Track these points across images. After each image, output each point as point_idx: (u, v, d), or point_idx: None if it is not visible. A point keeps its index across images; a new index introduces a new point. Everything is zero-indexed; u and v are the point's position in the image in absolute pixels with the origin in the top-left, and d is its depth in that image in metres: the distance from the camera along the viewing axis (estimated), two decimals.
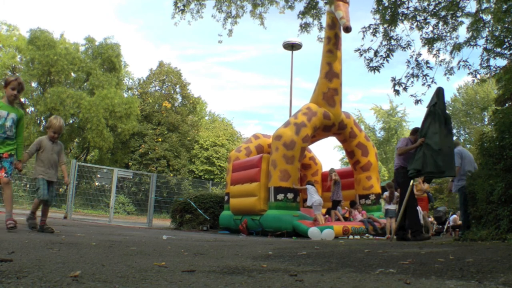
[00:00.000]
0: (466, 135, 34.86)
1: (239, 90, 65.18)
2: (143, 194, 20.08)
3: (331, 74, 9.19)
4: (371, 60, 7.29)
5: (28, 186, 16.33)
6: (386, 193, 9.98)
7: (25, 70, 25.39)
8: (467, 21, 7.43)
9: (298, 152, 8.63)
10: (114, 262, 1.63)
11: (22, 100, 25.79)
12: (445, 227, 12.65)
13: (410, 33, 7.46)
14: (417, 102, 7.12)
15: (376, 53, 7.31)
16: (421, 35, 7.54)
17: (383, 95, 61.90)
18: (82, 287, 1.05)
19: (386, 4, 7.15)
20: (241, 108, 67.72)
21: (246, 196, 9.11)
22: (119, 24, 60.25)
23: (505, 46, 6.70)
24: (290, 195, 8.41)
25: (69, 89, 26.53)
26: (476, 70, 7.32)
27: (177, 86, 32.82)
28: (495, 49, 7.03)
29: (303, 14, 7.96)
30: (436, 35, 7.50)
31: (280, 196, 8.36)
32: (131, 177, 15.32)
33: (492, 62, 7.23)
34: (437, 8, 7.30)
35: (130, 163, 29.43)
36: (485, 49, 7.25)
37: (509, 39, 6.60)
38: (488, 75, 7.43)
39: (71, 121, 27.54)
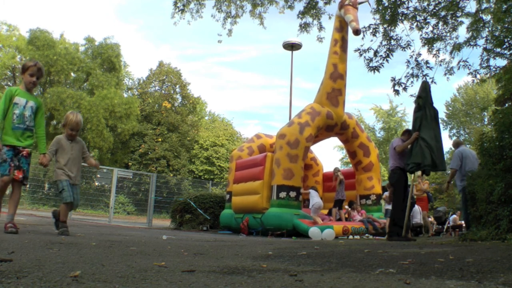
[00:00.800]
0: (466, 135, 34.86)
1: (239, 90, 65.21)
2: (143, 194, 20.08)
3: (335, 75, 9.27)
4: (371, 60, 7.30)
5: (28, 186, 16.33)
6: (386, 193, 9.99)
7: None
8: (467, 21, 7.43)
9: (302, 151, 8.68)
10: (114, 262, 1.63)
11: None
12: (445, 227, 12.65)
13: (410, 33, 7.47)
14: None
15: (376, 53, 7.31)
16: (421, 35, 7.55)
17: (383, 95, 61.94)
18: (82, 287, 1.05)
19: (386, 4, 7.16)
20: (241, 108, 67.76)
21: (249, 194, 9.15)
22: (119, 24, 60.27)
23: (505, 46, 6.70)
24: (292, 194, 8.44)
25: (69, 89, 26.55)
26: (476, 70, 7.33)
27: (177, 86, 32.83)
28: (495, 49, 7.03)
29: (302, 14, 7.97)
30: (436, 35, 7.50)
31: (283, 194, 8.39)
32: (131, 177, 15.32)
33: (492, 62, 7.23)
34: (437, 8, 7.30)
35: (130, 163, 29.44)
36: (485, 49, 7.25)
37: (509, 39, 6.60)
38: (488, 75, 7.43)
39: None
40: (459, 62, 7.45)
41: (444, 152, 6.56)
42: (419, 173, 7.54)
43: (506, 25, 6.60)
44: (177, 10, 7.52)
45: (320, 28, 8.23)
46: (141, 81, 33.02)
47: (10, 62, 26.03)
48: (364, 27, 7.50)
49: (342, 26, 9.25)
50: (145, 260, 1.81)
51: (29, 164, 4.06)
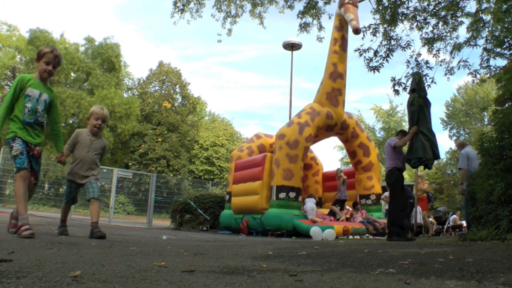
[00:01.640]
0: (466, 135, 34.85)
1: (239, 90, 65.18)
2: (143, 194, 20.08)
3: (335, 74, 9.25)
4: (371, 60, 7.29)
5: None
6: (386, 193, 9.98)
7: (24, 70, 25.39)
8: (467, 21, 7.42)
9: (302, 151, 8.67)
10: (114, 262, 1.63)
11: None
12: (445, 227, 12.65)
13: (410, 33, 7.46)
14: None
15: (376, 53, 7.30)
16: (421, 35, 7.54)
17: (383, 95, 61.91)
18: (82, 287, 1.05)
19: (386, 4, 7.15)
20: (241, 108, 67.74)
21: (248, 195, 9.14)
22: (119, 24, 60.25)
23: (505, 46, 6.70)
24: (292, 194, 8.44)
25: (69, 89, 26.54)
26: (476, 70, 7.32)
27: (177, 86, 32.82)
28: (495, 49, 7.03)
29: (302, 13, 7.96)
30: (436, 35, 7.49)
31: (282, 195, 8.39)
32: (131, 177, 15.32)
33: (492, 62, 7.22)
34: (437, 8, 7.30)
35: (130, 163, 29.43)
36: (485, 49, 7.25)
37: (509, 39, 6.60)
38: (488, 75, 7.42)
39: (71, 121, 27.54)
40: (459, 62, 7.44)
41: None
42: (419, 172, 7.56)
43: (506, 25, 6.60)
44: (177, 9, 7.52)
45: (320, 28, 8.22)
46: (141, 81, 33.02)
47: (10, 62, 26.02)
48: (364, 27, 7.50)
49: (342, 25, 9.22)
50: (145, 260, 1.81)
51: (40, 165, 3.68)
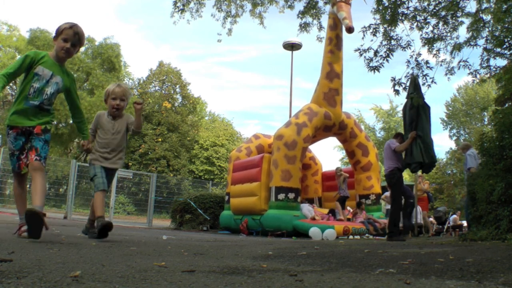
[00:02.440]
0: (466, 135, 34.85)
1: (239, 90, 65.17)
2: (143, 194, 20.08)
3: (332, 74, 9.21)
4: (371, 60, 7.29)
5: (28, 186, 16.34)
6: (387, 193, 9.98)
7: None
8: (467, 21, 7.42)
9: (300, 152, 8.66)
10: (114, 262, 1.63)
11: None
12: (445, 227, 12.65)
13: (410, 33, 7.46)
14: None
15: (376, 53, 7.30)
16: (421, 35, 7.54)
17: (383, 95, 61.89)
18: (82, 287, 1.05)
19: (386, 4, 7.15)
20: (241, 108, 67.73)
21: (247, 196, 9.13)
22: (119, 24, 60.24)
23: (505, 46, 6.70)
24: (291, 195, 8.43)
25: None
26: (476, 70, 7.32)
27: (177, 86, 32.82)
28: (495, 49, 7.03)
29: (302, 13, 7.97)
30: (436, 35, 7.49)
31: (281, 196, 8.37)
32: (131, 177, 15.33)
33: (492, 62, 7.23)
34: (437, 8, 7.30)
35: (130, 163, 29.43)
36: (485, 49, 7.25)
37: (509, 39, 6.60)
38: (488, 75, 7.42)
39: (71, 121, 27.55)
40: (459, 62, 7.44)
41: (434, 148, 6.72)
42: (419, 172, 7.58)
43: (506, 25, 6.60)
44: (177, 9, 7.52)
45: (320, 28, 8.22)
46: (141, 81, 33.02)
47: (10, 62, 26.02)
48: (364, 27, 7.49)
49: (336, 24, 9.11)
50: (145, 260, 1.81)
51: (46, 142, 3.12)
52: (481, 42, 7.36)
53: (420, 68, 7.33)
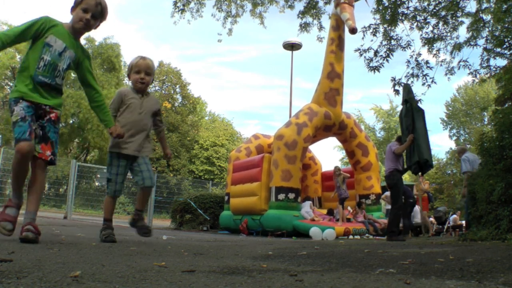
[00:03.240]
0: (466, 135, 34.86)
1: (239, 90, 65.15)
2: None
3: (333, 74, 9.23)
4: (371, 60, 7.30)
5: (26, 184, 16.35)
6: (387, 193, 9.98)
7: None
8: (467, 21, 7.43)
9: (300, 152, 8.66)
10: (114, 262, 1.63)
11: None
12: (445, 227, 12.65)
13: (410, 33, 7.47)
14: (417, 102, 7.13)
15: (376, 53, 7.31)
16: (421, 35, 7.55)
17: (383, 95, 61.91)
18: (82, 287, 1.05)
19: (386, 4, 7.16)
20: (241, 108, 67.71)
21: (247, 196, 9.13)
22: (119, 24, 60.23)
23: (505, 46, 6.70)
24: (291, 195, 8.43)
25: (69, 89, 26.54)
26: (476, 70, 7.33)
27: (177, 86, 32.83)
28: (495, 49, 7.04)
29: (303, 13, 7.98)
30: (436, 35, 7.50)
31: (281, 196, 8.38)
32: (131, 177, 15.30)
33: (492, 62, 7.24)
34: (437, 8, 7.30)
35: None
36: (485, 49, 7.26)
37: (509, 39, 6.60)
38: (488, 75, 7.43)
39: (71, 121, 27.54)
40: (459, 62, 7.46)
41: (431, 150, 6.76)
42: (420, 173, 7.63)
43: (506, 25, 6.61)
44: (177, 9, 7.53)
45: (320, 28, 8.24)
46: None
47: (10, 62, 26.01)
48: (364, 27, 7.50)
49: (338, 25, 9.15)
50: (145, 260, 1.82)
51: (58, 134, 2.73)
52: (481, 42, 7.37)
53: (420, 68, 7.34)
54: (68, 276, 1.19)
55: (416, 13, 7.28)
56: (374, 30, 7.34)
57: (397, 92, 7.26)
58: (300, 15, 8.00)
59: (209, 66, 63.53)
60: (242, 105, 68.15)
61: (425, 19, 7.36)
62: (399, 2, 7.08)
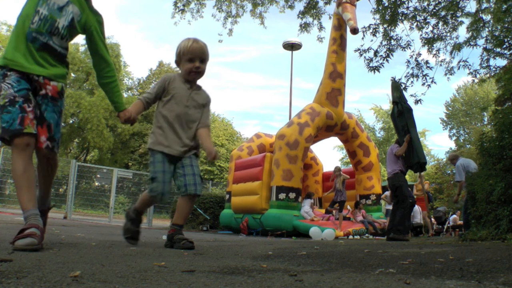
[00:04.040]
0: (466, 135, 34.86)
1: (239, 90, 65.13)
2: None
3: (335, 74, 9.24)
4: (371, 60, 7.31)
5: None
6: (387, 193, 9.98)
7: None
8: (467, 21, 7.44)
9: (301, 151, 8.67)
10: (114, 262, 1.63)
11: None
12: (445, 227, 12.65)
13: (410, 33, 7.48)
14: (417, 102, 7.16)
15: (376, 53, 7.31)
16: (421, 35, 7.55)
17: (383, 95, 61.94)
18: (82, 287, 1.05)
19: (386, 4, 7.16)
20: (241, 108, 67.66)
21: (248, 195, 9.15)
22: (120, 24, 60.24)
23: (505, 46, 6.71)
24: (292, 195, 8.44)
25: (69, 89, 26.55)
26: (476, 70, 7.34)
27: None
28: (495, 49, 7.04)
29: (303, 13, 7.98)
30: (436, 35, 7.50)
31: (282, 196, 8.39)
32: (131, 177, 15.33)
33: (492, 62, 7.25)
34: (437, 8, 7.30)
35: (130, 163, 29.45)
36: (485, 49, 7.26)
37: (509, 39, 6.60)
38: (488, 75, 7.43)
39: (71, 121, 27.55)
40: (459, 62, 7.46)
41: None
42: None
43: (506, 25, 6.61)
44: (177, 10, 7.54)
45: (321, 28, 8.24)
46: (141, 81, 33.03)
47: None
48: (364, 27, 7.51)
49: (340, 24, 9.17)
50: (145, 260, 1.82)
51: (61, 114, 2.16)
52: (481, 42, 7.37)
53: (420, 68, 7.34)
54: (68, 276, 1.19)
55: (416, 13, 7.29)
56: (374, 30, 7.35)
57: None
58: (300, 15, 8.00)
59: (209, 66, 62.24)
60: (242, 105, 68.14)
61: (425, 19, 7.36)
62: (399, 2, 7.08)
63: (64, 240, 3.00)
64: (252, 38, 68.96)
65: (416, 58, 7.40)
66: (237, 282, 1.22)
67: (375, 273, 1.51)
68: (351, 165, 10.84)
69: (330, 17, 9.12)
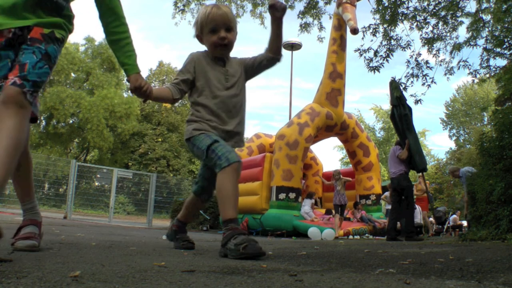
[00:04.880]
0: (466, 135, 34.88)
1: None
2: (143, 194, 20.09)
3: (335, 74, 9.24)
4: (371, 60, 7.30)
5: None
6: (387, 193, 9.98)
7: None
8: (467, 21, 7.44)
9: (301, 152, 8.68)
10: (114, 262, 1.63)
11: None
12: (445, 227, 12.66)
13: (410, 33, 7.48)
14: (417, 102, 7.15)
15: (376, 53, 7.31)
16: (421, 35, 7.55)
17: (383, 95, 61.96)
18: (82, 287, 1.05)
19: (386, 4, 7.16)
20: None
21: (247, 195, 9.15)
22: None
23: (505, 46, 6.71)
24: (292, 195, 8.44)
25: (69, 89, 26.56)
26: (476, 70, 7.34)
27: None
28: (495, 49, 7.04)
29: (303, 14, 7.98)
30: (436, 35, 7.50)
31: (282, 196, 8.39)
32: (131, 177, 15.33)
33: (492, 62, 7.25)
34: (437, 8, 7.30)
35: (130, 163, 29.46)
36: (485, 49, 7.26)
37: (509, 39, 6.60)
38: (488, 75, 7.43)
39: (71, 121, 27.55)
40: (459, 62, 7.46)
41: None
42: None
43: (506, 25, 6.61)
44: (177, 10, 7.53)
45: (321, 28, 8.24)
46: None
47: None
48: (364, 27, 7.51)
49: (340, 25, 9.19)
50: (145, 260, 1.81)
51: (47, 57, 1.62)
52: (481, 42, 7.37)
53: (420, 68, 7.34)
54: (68, 276, 1.19)
55: (416, 13, 7.28)
56: (374, 30, 7.35)
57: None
58: (300, 15, 8.00)
59: None
60: None
61: (425, 19, 7.36)
62: (399, 2, 7.08)
63: (64, 240, 3.00)
64: (252, 38, 68.95)
65: (416, 58, 7.40)
66: (237, 282, 1.22)
67: (375, 273, 1.51)
68: (351, 165, 10.84)
69: (330, 17, 9.12)
